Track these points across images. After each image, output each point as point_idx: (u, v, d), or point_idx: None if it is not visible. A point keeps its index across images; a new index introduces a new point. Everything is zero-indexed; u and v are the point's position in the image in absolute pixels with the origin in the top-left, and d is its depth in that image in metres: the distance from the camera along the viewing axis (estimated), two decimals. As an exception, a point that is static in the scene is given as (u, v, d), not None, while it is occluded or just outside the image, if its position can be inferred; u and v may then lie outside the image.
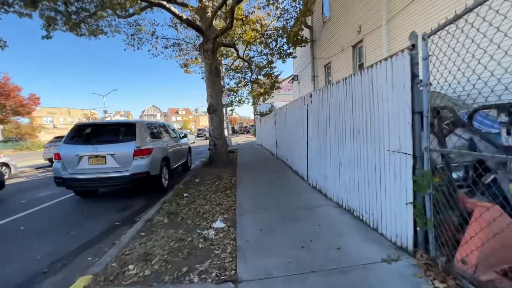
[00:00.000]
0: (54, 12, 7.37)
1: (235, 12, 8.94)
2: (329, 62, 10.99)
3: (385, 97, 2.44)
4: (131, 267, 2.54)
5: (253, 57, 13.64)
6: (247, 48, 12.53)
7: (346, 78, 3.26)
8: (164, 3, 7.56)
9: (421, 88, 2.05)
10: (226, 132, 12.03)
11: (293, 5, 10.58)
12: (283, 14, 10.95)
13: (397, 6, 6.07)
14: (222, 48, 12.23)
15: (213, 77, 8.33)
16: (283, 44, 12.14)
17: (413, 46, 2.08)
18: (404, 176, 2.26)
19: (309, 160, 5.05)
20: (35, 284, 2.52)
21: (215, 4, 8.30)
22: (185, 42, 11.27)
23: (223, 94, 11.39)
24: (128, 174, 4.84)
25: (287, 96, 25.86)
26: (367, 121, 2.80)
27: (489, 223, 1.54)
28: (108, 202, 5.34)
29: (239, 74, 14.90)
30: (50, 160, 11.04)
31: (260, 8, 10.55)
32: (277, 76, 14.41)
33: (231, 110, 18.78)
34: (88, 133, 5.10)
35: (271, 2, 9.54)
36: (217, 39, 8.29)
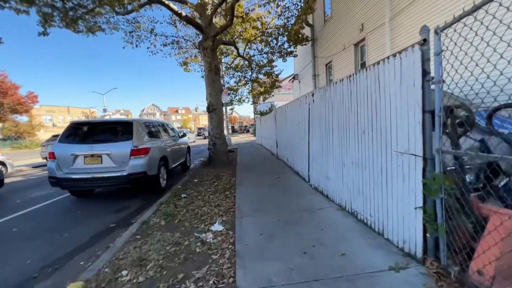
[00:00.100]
0: (51, 8, 7.22)
1: (235, 10, 8.80)
2: (330, 61, 10.85)
3: (393, 95, 2.31)
4: (124, 273, 2.42)
5: (253, 55, 13.49)
6: (247, 47, 12.38)
7: (350, 76, 3.13)
8: (163, -1, 7.42)
9: (432, 86, 1.93)
10: (225, 132, 11.91)
11: (294, 2, 10.44)
12: (284, 12, 10.81)
13: (401, 3, 5.93)
14: (222, 46, 12.08)
15: (213, 75, 8.19)
16: (284, 43, 12.00)
17: (424, 41, 1.95)
18: (413, 179, 2.13)
19: (311, 160, 4.93)
20: (23, 291, 2.40)
21: (215, 1, 8.15)
22: (184, 40, 11.12)
23: (223, 93, 11.24)
24: (124, 174, 4.71)
25: (287, 95, 25.74)
26: (373, 121, 2.67)
27: (510, 232, 1.42)
28: (104, 202, 5.22)
29: (239, 73, 14.74)
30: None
31: (260, 6, 10.41)
32: (277, 75, 14.26)
33: (231, 109, 18.63)
34: (83, 132, 4.96)
35: (271, -1, 9.40)
36: (217, 37, 8.15)
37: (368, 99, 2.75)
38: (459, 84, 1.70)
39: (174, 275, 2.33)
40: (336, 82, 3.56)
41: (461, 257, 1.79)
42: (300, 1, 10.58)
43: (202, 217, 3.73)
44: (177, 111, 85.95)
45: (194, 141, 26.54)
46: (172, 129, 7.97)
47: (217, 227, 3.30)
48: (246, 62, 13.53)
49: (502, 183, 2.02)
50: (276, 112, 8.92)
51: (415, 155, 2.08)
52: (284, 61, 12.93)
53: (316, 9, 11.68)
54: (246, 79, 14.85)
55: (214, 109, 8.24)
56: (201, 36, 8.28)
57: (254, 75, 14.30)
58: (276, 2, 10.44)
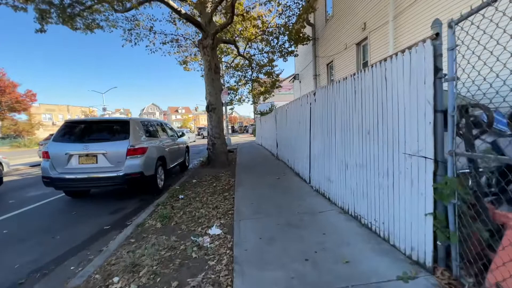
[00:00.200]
0: (48, 5, 7.10)
1: (236, 8, 8.67)
2: (332, 61, 10.72)
3: (402, 94, 2.18)
4: (116, 279, 2.29)
5: (254, 55, 13.36)
6: (247, 46, 12.25)
7: (355, 74, 3.00)
8: (162, -4, 7.28)
9: (445, 83, 1.80)
10: (225, 132, 11.78)
11: (295, 1, 10.30)
12: (285, 11, 10.68)
13: (406, 1, 5.80)
14: (222, 45, 11.95)
15: (212, 74, 8.07)
16: (285, 42, 11.87)
17: (437, 35, 1.82)
18: (422, 182, 2.00)
19: (312, 161, 4.80)
20: (8, 298, 2.28)
21: (215, -1, 8.02)
22: (184, 38, 10.99)
23: (223, 92, 11.09)
24: (120, 174, 4.58)
25: (287, 95, 25.64)
26: (379, 121, 2.55)
27: (535, 243, 1.30)
28: (99, 203, 5.08)
29: (239, 72, 14.61)
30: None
31: (261, 4, 10.27)
32: (278, 75, 14.13)
33: (231, 109, 18.49)
34: (78, 131, 4.83)
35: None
36: (217, 35, 8.03)
37: (373, 98, 2.63)
38: (477, 82, 1.57)
39: (168, 282, 2.20)
40: (339, 81, 3.43)
41: (476, 267, 1.66)
42: (301, 0, 10.45)
43: (199, 219, 3.60)
44: (177, 111, 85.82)
45: (194, 141, 26.42)
46: (171, 128, 7.84)
47: (215, 230, 3.17)
48: (247, 62, 13.40)
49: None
50: (277, 112, 8.79)
51: (425, 157, 1.95)
52: (285, 61, 12.85)
53: (317, 8, 11.57)
54: (246, 78, 14.72)
55: (214, 109, 8.12)
56: (200, 35, 8.15)
57: (255, 74, 14.17)
58: (277, 1, 10.32)
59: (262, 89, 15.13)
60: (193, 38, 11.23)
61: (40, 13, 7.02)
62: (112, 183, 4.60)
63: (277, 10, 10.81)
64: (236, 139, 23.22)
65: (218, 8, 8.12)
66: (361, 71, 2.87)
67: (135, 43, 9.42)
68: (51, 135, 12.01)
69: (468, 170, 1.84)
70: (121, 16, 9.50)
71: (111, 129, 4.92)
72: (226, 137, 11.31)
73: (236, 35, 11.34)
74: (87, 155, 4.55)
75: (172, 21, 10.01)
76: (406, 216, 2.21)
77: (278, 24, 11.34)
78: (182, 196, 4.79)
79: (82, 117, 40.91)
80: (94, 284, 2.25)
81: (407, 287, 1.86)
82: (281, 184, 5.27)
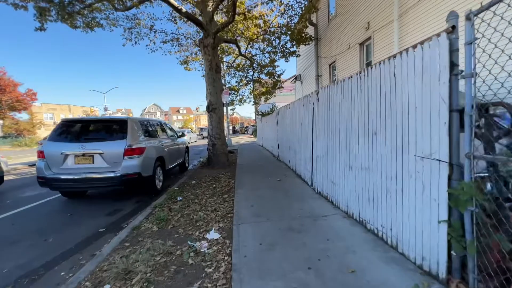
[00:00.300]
0: (48, 3, 7.01)
1: (237, 7, 8.56)
2: (334, 61, 10.60)
3: (413, 92, 2.05)
4: (106, 287, 2.15)
5: (255, 55, 13.25)
6: (249, 46, 12.14)
7: (360, 72, 2.86)
8: (163, -6, 7.18)
9: (462, 80, 1.66)
10: (226, 132, 11.66)
11: (297, 0, 10.19)
12: (287, 11, 10.58)
13: None
14: (223, 45, 11.84)
15: (213, 74, 7.95)
16: (287, 42, 11.76)
17: (453, 28, 1.69)
18: (435, 187, 1.86)
19: (314, 163, 4.66)
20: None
21: (217, -3, 7.91)
22: (184, 37, 10.88)
23: (224, 92, 10.99)
24: (117, 175, 4.45)
25: (289, 96, 25.50)
26: (387, 121, 2.41)
27: None
28: (96, 204, 4.96)
29: (240, 73, 14.50)
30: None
31: (263, 3, 10.17)
32: (279, 75, 14.01)
33: (232, 109, 18.39)
34: (75, 130, 4.71)
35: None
36: (218, 34, 7.91)
37: (381, 97, 2.49)
38: (500, 78, 1.43)
39: (161, 291, 2.06)
40: (344, 80, 3.30)
41: (497, 281, 1.51)
42: (303, 0, 10.34)
43: (197, 223, 3.47)
44: (178, 111, 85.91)
45: (195, 141, 26.36)
46: (171, 128, 7.72)
47: (213, 235, 3.03)
48: (248, 62, 13.29)
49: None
50: (278, 113, 8.66)
51: (439, 160, 1.81)
52: (287, 61, 12.71)
53: (320, 8, 11.46)
54: (247, 79, 14.61)
55: (214, 109, 7.99)
56: (201, 34, 8.04)
57: (256, 75, 14.06)
58: (279, 0, 10.21)
59: (264, 90, 15.02)
60: (194, 37, 11.13)
61: (39, 10, 6.93)
62: (108, 184, 4.48)
63: (279, 9, 10.71)
64: (237, 140, 23.11)
65: (219, 7, 8.00)
66: (367, 69, 2.73)
67: (135, 42, 9.32)
68: (51, 134, 11.96)
69: (487, 174, 1.70)
70: (121, 15, 9.41)
71: (109, 128, 4.81)
72: (226, 138, 11.20)
73: (237, 35, 11.23)
74: (83, 155, 4.43)
75: (172, 20, 9.91)
76: (416, 223, 2.07)
77: (280, 24, 11.23)
78: (181, 198, 4.66)
79: (84, 116, 40.93)
80: (84, 292, 2.12)
81: (420, 301, 1.71)
82: (282, 186, 5.13)
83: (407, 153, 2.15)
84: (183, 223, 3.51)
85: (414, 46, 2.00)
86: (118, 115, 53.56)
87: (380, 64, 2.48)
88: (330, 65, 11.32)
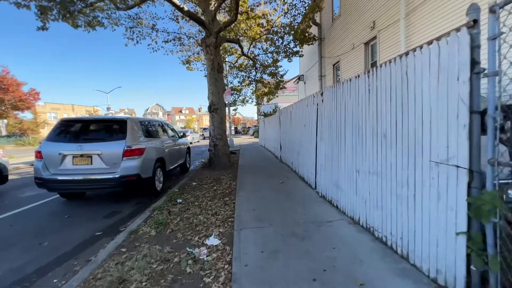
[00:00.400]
0: (50, 2, 6.95)
1: (240, 6, 8.45)
2: (338, 61, 10.44)
3: (427, 92, 1.90)
4: (99, 297, 2.04)
5: (258, 55, 13.13)
6: (251, 45, 12.02)
7: (369, 71, 2.72)
8: (165, -7, 7.10)
9: (483, 79, 1.52)
10: (228, 133, 11.54)
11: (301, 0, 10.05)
12: (290, 10, 10.44)
13: (418, -2, 5.51)
14: (225, 44, 11.75)
15: (215, 73, 7.84)
16: (290, 42, 11.63)
17: (475, 23, 1.54)
18: (452, 195, 1.72)
19: (318, 165, 4.51)
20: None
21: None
22: (186, 37, 10.79)
23: (226, 92, 10.89)
24: (116, 176, 4.35)
25: (291, 97, 25.35)
26: (397, 123, 2.26)
27: None
28: (94, 206, 4.86)
29: (243, 73, 14.39)
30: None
31: (266, 3, 10.04)
32: (282, 76, 13.87)
33: (235, 110, 18.28)
34: (74, 130, 4.62)
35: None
36: (221, 33, 7.80)
37: (391, 98, 2.34)
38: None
39: (157, 303, 1.94)
40: (350, 79, 3.15)
41: (524, 303, 1.36)
42: (307, -1, 10.21)
43: (197, 227, 3.34)
44: (180, 111, 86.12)
45: (198, 141, 26.34)
46: (172, 129, 7.63)
47: (213, 240, 2.90)
48: (251, 62, 13.17)
49: None
50: (281, 113, 8.53)
51: (458, 166, 1.66)
52: (290, 61, 12.57)
53: (323, 8, 11.31)
54: (250, 79, 14.49)
55: (216, 109, 7.88)
56: (204, 33, 7.94)
57: (259, 75, 13.94)
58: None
59: (266, 90, 14.89)
60: (196, 37, 11.04)
61: (40, 9, 6.87)
62: (107, 186, 4.38)
63: (282, 9, 10.58)
64: (239, 141, 23.00)
65: (222, 6, 7.89)
66: (376, 68, 2.59)
67: (137, 42, 9.25)
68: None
69: (511, 181, 1.55)
70: (124, 14, 9.35)
71: (108, 128, 4.71)
72: (228, 139, 11.08)
73: (240, 35, 11.12)
74: (81, 155, 4.33)
75: (175, 19, 9.83)
76: (430, 233, 1.92)
77: (283, 23, 11.11)
78: (180, 200, 4.54)
79: (87, 115, 41.10)
80: (75, 302, 2.00)
81: (436, 321, 1.57)
82: (285, 188, 4.99)
83: (420, 158, 2.00)
84: (182, 227, 3.39)
85: (429, 42, 1.86)
86: (121, 114, 53.81)
87: (390, 62, 2.34)
88: (333, 65, 11.16)
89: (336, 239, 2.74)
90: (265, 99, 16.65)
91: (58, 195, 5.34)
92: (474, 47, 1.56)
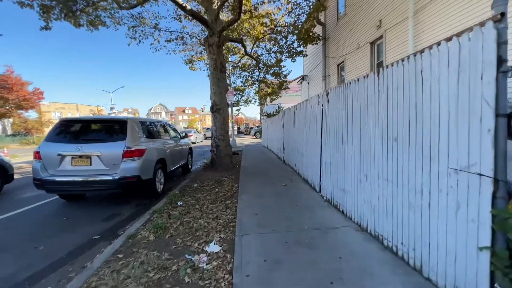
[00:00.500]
0: (52, 1, 6.91)
1: (244, 4, 8.33)
2: (343, 61, 10.27)
3: (445, 93, 1.75)
4: (92, 309, 1.92)
5: (261, 55, 13.00)
6: (255, 45, 11.90)
7: (379, 71, 2.57)
8: (167, -9, 7.01)
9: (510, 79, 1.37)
10: (230, 133, 11.42)
11: (306, -2, 9.91)
12: (294, 9, 10.30)
13: (427, -5, 5.33)
14: (228, 44, 11.64)
15: (218, 73, 7.73)
16: (293, 42, 11.48)
17: (502, 16, 1.39)
18: (474, 206, 1.57)
19: (323, 168, 4.37)
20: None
21: (223, -6, 7.69)
22: (189, 36, 10.71)
23: (229, 92, 10.76)
24: (116, 178, 4.25)
25: (295, 97, 25.19)
26: (410, 126, 2.11)
27: None
28: (94, 207, 4.78)
29: (246, 73, 14.27)
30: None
31: (270, 1, 9.91)
32: (285, 76, 13.73)
33: (237, 110, 18.16)
34: (73, 130, 4.53)
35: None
36: (224, 33, 7.69)
37: (403, 99, 2.20)
38: None
39: (152, 317, 1.82)
40: (358, 79, 3.01)
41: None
42: (312, -3, 10.06)
43: (197, 232, 3.22)
44: (184, 111, 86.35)
45: (201, 141, 26.31)
46: (174, 129, 7.53)
47: (213, 247, 2.78)
48: (254, 62, 13.05)
49: None
50: (284, 114, 8.39)
51: (480, 174, 1.52)
52: (293, 61, 12.42)
53: (328, 7, 11.14)
54: (253, 79, 14.37)
55: (218, 109, 7.77)
56: (206, 33, 7.84)
57: (262, 75, 13.81)
58: (286, -2, 9.96)
59: (269, 90, 14.76)
60: (199, 37, 10.95)
61: (42, 8, 6.83)
62: (106, 187, 4.28)
63: (286, 8, 10.44)
64: (242, 141, 22.89)
65: (225, 4, 7.77)
66: (387, 67, 2.44)
67: (140, 41, 9.19)
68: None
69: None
70: (126, 13, 9.30)
71: (108, 129, 4.62)
72: (231, 139, 10.97)
73: (243, 34, 11.00)
74: (80, 156, 4.24)
75: (177, 18, 9.74)
76: (448, 246, 1.77)
77: (287, 22, 10.96)
78: (181, 203, 4.43)
79: (90, 115, 41.36)
80: (66, 314, 1.89)
81: None
82: (288, 192, 4.85)
83: (436, 164, 1.85)
84: (182, 232, 3.27)
85: (448, 39, 1.71)
86: (125, 114, 54.11)
87: (403, 61, 2.19)
88: (338, 65, 10.99)
89: (343, 248, 2.60)
90: (268, 99, 16.52)
91: (56, 197, 5.26)
92: (501, 43, 1.41)
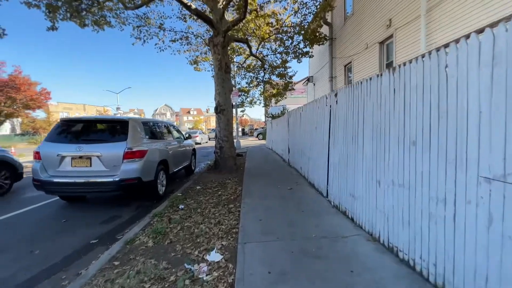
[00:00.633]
0: (58, 1, 6.90)
1: (249, 4, 8.21)
2: (350, 62, 10.04)
3: (475, 91, 1.56)
4: (82, 324, 1.77)
5: (267, 55, 12.86)
6: (260, 46, 11.76)
7: (394, 68, 2.38)
8: (172, -9, 6.93)
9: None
10: (235, 134, 11.29)
11: (312, -3, 9.73)
12: (301, 9, 10.13)
13: (441, -8, 5.10)
14: (234, 44, 11.54)
15: (223, 73, 7.60)
16: (299, 42, 11.30)
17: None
18: (510, 221, 1.36)
19: (331, 171, 4.17)
20: None
21: (228, -7, 7.57)
22: (194, 36, 10.63)
23: (233, 93, 10.64)
24: (116, 179, 4.14)
25: (300, 99, 24.99)
26: (432, 128, 1.92)
27: None
28: (94, 209, 4.67)
29: (251, 74, 14.14)
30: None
31: (276, 1, 9.77)
32: (291, 77, 13.55)
33: (242, 111, 18.03)
34: (74, 130, 4.44)
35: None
36: (229, 32, 7.57)
37: (423, 98, 2.00)
38: None
39: (145, 336, 1.66)
40: (371, 78, 2.82)
41: None
42: (319, -3, 9.88)
43: (197, 238, 3.06)
44: (189, 112, 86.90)
45: (206, 142, 26.32)
46: (177, 130, 7.42)
47: (214, 256, 2.61)
48: (259, 63, 12.91)
49: None
50: (290, 115, 8.20)
51: (520, 185, 1.31)
52: (299, 62, 12.24)
53: (335, 7, 10.95)
54: (258, 80, 14.23)
55: (223, 110, 7.63)
56: (211, 33, 7.74)
57: (267, 76, 13.66)
58: (293, -2, 9.81)
59: (274, 91, 14.59)
60: (203, 37, 10.87)
61: (48, 8, 6.81)
62: (106, 189, 4.17)
63: (292, 8, 10.28)
64: (246, 142, 22.75)
65: (230, 3, 7.65)
66: (403, 65, 2.25)
67: (144, 41, 9.15)
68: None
69: None
70: (132, 14, 9.28)
71: (109, 129, 4.52)
72: (235, 140, 10.82)
73: (248, 34, 10.88)
74: (80, 157, 4.14)
75: (182, 18, 9.68)
76: (477, 264, 1.57)
77: (293, 23, 10.79)
78: (182, 206, 4.28)
79: (97, 115, 41.82)
80: (54, 329, 1.74)
81: None
82: (293, 196, 4.66)
83: (463, 171, 1.65)
84: (182, 237, 3.12)
85: (480, 31, 1.52)
86: (131, 115, 54.61)
87: (423, 57, 2.00)
88: (345, 66, 10.77)
89: (354, 260, 2.40)
90: (273, 100, 16.35)
91: (56, 198, 5.18)
92: (548, 33, 1.22)
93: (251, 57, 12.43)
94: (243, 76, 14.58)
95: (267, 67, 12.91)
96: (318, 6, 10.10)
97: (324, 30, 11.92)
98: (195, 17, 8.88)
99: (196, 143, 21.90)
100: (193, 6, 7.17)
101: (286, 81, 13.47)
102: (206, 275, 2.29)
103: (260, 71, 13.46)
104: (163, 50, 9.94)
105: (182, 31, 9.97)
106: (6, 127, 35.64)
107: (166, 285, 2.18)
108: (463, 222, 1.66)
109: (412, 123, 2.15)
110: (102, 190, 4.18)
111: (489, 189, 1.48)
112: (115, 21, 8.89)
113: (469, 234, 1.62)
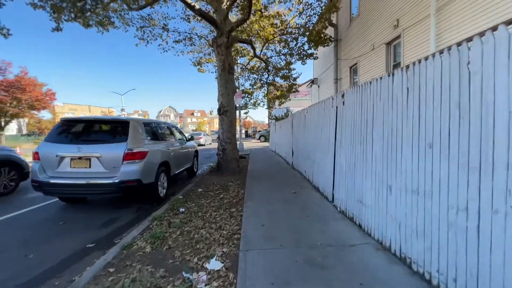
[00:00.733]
0: (63, 2, 6.90)
1: (253, 4, 8.13)
2: (356, 63, 9.88)
3: (504, 88, 1.40)
4: (70, 338, 1.64)
5: (271, 57, 12.76)
6: (264, 47, 11.66)
7: (407, 67, 2.23)
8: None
9: None
10: (238, 136, 11.17)
11: (317, -1, 9.62)
12: (306, 10, 10.03)
13: (452, -9, 4.93)
14: (237, 46, 11.47)
15: (226, 75, 7.51)
16: (304, 44, 11.18)
17: None
18: (548, 235, 1.20)
19: (337, 175, 4.01)
20: None
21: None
22: (197, 37, 10.58)
23: (237, 95, 10.54)
24: (115, 181, 4.03)
25: (304, 101, 24.84)
26: (452, 130, 1.76)
27: None
28: (93, 211, 4.57)
29: (254, 75, 14.05)
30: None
31: (281, 2, 9.67)
32: (295, 79, 13.41)
33: (246, 113, 17.92)
34: (74, 131, 4.37)
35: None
36: (232, 33, 7.48)
37: (441, 97, 1.85)
38: None
39: None
40: (381, 77, 2.67)
41: None
42: (324, -2, 9.76)
43: (197, 244, 2.92)
44: (192, 114, 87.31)
45: (210, 143, 26.31)
46: (180, 131, 7.33)
47: (215, 264, 2.47)
48: (263, 64, 12.81)
49: None
50: (293, 117, 8.06)
51: (561, 194, 1.15)
52: (304, 64, 12.11)
53: (341, 8, 10.82)
54: (262, 82, 14.12)
55: (226, 111, 7.52)
56: (215, 33, 7.66)
57: (271, 78, 13.55)
58: (298, -1, 9.71)
59: (278, 93, 14.47)
60: (207, 38, 10.82)
61: (52, 8, 6.81)
62: (105, 191, 4.07)
63: (297, 9, 10.17)
64: (249, 144, 22.63)
65: (234, 4, 7.58)
66: (418, 63, 2.10)
67: (148, 42, 9.12)
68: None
69: None
70: (136, 15, 9.28)
71: (109, 130, 4.43)
72: (238, 142, 10.71)
73: (252, 35, 10.80)
74: (79, 158, 4.05)
75: (186, 18, 9.64)
76: (506, 281, 1.40)
77: (298, 24, 10.69)
78: (183, 210, 4.16)
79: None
80: None
81: None
82: (298, 200, 4.50)
83: (489, 177, 1.49)
84: (181, 243, 2.98)
85: (509, 22, 1.37)
86: (135, 116, 55.02)
87: (441, 53, 1.85)
88: (350, 67, 10.60)
89: (363, 271, 2.23)
90: (277, 102, 16.24)
91: (56, 199, 5.10)
92: None
93: (255, 59, 12.35)
94: (246, 77, 14.51)
95: (271, 68, 12.80)
96: (323, 7, 9.98)
97: (329, 31, 11.79)
98: (199, 18, 8.84)
99: (200, 145, 21.90)
100: (197, 7, 7.11)
101: (290, 83, 13.34)
102: (205, 285, 2.15)
103: (264, 73, 13.36)
104: (166, 51, 9.91)
105: (185, 32, 9.95)
106: (13, 128, 36.19)
107: (162, 296, 2.05)
108: (488, 234, 1.50)
109: (428, 124, 1.99)
110: (101, 192, 4.09)
111: (521, 198, 1.32)
112: (119, 22, 8.89)
113: (497, 247, 1.45)
